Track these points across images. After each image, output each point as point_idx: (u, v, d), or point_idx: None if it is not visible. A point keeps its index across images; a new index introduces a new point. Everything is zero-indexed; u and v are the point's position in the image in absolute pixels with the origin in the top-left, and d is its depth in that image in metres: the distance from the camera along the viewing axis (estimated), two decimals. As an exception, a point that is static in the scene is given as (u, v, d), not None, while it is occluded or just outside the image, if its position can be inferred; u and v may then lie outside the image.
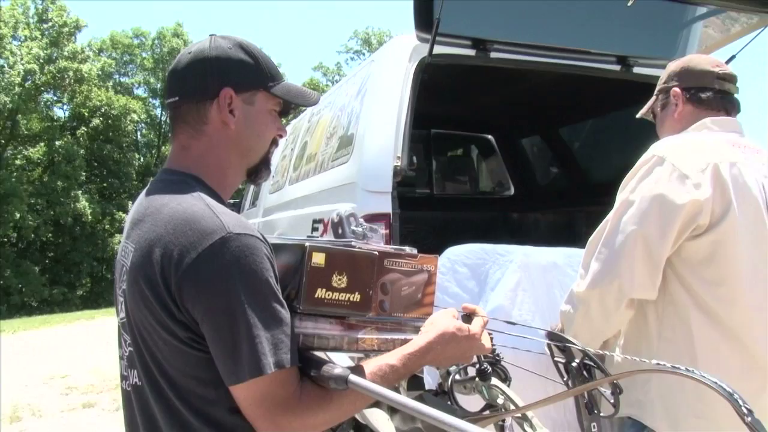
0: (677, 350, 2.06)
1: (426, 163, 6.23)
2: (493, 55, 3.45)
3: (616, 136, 5.12)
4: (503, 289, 2.63)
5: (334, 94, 4.69)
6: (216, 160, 1.53)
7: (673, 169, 2.04)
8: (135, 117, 34.52)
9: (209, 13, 68.84)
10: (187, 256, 1.30)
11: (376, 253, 1.49)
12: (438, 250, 3.80)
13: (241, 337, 1.28)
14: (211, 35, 1.58)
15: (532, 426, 1.52)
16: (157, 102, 41.11)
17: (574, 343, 1.61)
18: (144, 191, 1.55)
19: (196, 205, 1.38)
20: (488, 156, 6.65)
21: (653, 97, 2.42)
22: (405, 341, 1.51)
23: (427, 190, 6.19)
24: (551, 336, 1.79)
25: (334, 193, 3.60)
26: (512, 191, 6.47)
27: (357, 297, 1.45)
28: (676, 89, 2.31)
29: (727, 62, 3.92)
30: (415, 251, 1.63)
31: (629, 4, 3.14)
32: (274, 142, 1.62)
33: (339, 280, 1.42)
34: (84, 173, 30.91)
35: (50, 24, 30.09)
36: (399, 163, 3.10)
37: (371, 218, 3.07)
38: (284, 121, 1.77)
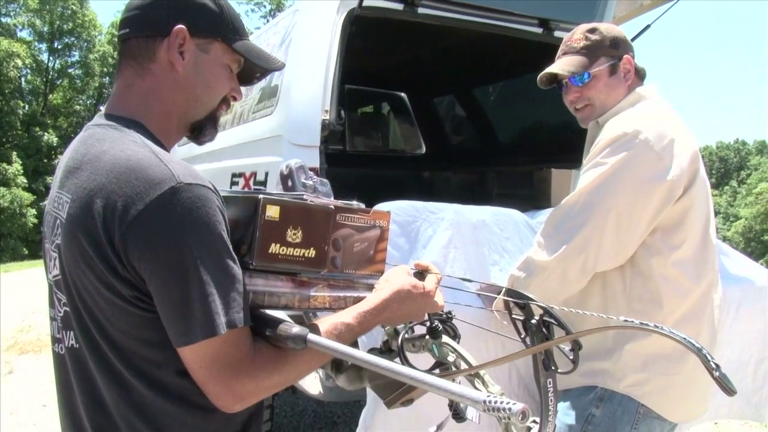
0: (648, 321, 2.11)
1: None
2: (420, 10, 3.42)
3: (529, 98, 5.20)
4: (435, 246, 2.63)
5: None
6: (160, 104, 1.42)
7: (646, 147, 2.05)
8: (19, 62, 32.44)
9: (99, -45, 65.17)
10: (132, 208, 1.20)
11: (332, 206, 1.44)
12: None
13: (193, 295, 1.20)
14: None
15: (483, 382, 1.52)
16: (43, 46, 38.84)
17: (535, 300, 1.62)
18: (79, 137, 1.43)
19: (141, 152, 1.28)
20: (401, 114, 6.64)
21: (587, 59, 2.29)
22: (357, 299, 1.47)
23: (340, 147, 6.13)
24: (510, 293, 1.80)
25: (256, 146, 3.50)
26: (424, 150, 6.50)
27: (312, 253, 1.39)
28: (629, 57, 2.29)
29: (642, 32, 4.06)
30: (363, 206, 1.59)
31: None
32: (226, 101, 1.52)
33: (294, 235, 1.36)
34: (-39, 121, 28.97)
35: None
36: (327, 117, 3.04)
37: (298, 173, 3.00)
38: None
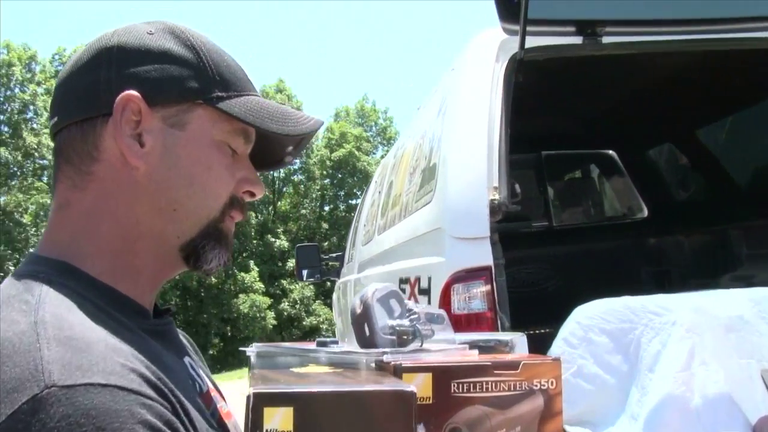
0: None
1: (540, 191, 5.42)
2: (606, 40, 2.62)
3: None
4: (670, 368, 1.77)
5: (417, 120, 3.96)
6: (112, 225, 0.83)
7: None
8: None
9: (310, 67, 70.39)
10: None
11: (412, 389, 0.71)
12: (564, 292, 3.05)
13: None
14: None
15: None
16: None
17: None
18: None
19: (16, 327, 0.69)
20: (612, 174, 5.77)
21: None
22: None
23: (545, 222, 5.37)
24: None
25: (418, 243, 2.85)
26: (645, 212, 5.53)
27: None
28: None
29: None
30: (522, 351, 0.88)
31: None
32: (237, 206, 0.90)
33: None
34: (203, 237, 31.91)
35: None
36: (496, 196, 2.31)
37: (466, 275, 2.28)
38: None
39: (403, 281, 2.94)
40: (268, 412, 0.64)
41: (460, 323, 2.27)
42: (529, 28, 2.38)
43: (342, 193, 41.35)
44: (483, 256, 2.29)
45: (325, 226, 39.27)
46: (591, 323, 2.05)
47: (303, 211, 39.95)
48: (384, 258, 3.82)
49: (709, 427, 1.67)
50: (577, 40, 2.60)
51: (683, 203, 5.40)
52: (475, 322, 2.26)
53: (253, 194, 0.91)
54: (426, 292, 2.53)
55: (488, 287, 2.26)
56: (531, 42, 2.46)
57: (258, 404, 0.64)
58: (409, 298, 2.74)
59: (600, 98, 4.18)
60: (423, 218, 2.81)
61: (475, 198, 2.37)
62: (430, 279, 2.50)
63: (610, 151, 5.63)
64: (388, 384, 0.74)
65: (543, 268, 4.69)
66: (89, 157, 0.82)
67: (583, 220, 5.80)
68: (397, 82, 71.92)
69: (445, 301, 2.29)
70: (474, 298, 2.27)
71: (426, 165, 2.99)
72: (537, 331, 2.46)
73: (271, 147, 0.93)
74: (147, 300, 0.86)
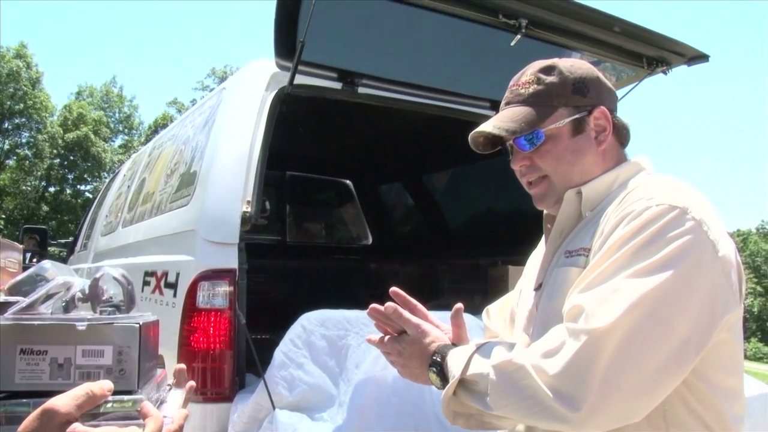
0: None
1: (279, 208, 5.78)
2: (361, 90, 3.06)
3: (482, 186, 4.89)
4: (371, 365, 2.19)
5: (179, 126, 4.13)
6: None
7: (705, 236, 1.29)
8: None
9: (58, 38, 65.39)
10: None
11: None
12: (290, 302, 3.37)
13: None
14: None
15: None
16: (-7, 128, 38.01)
17: None
18: None
19: None
20: (346, 202, 6.30)
21: (536, 112, 1.50)
22: None
23: (279, 237, 5.73)
24: None
25: (170, 241, 3.05)
26: (370, 240, 6.12)
27: None
28: (605, 110, 1.52)
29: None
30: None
31: (512, 43, 2.86)
32: None
33: None
34: None
35: None
36: (248, 209, 2.62)
37: (212, 274, 2.56)
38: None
39: (149, 274, 3.12)
40: None
41: (202, 317, 2.54)
42: (299, 68, 2.70)
43: (71, 176, 38.54)
44: (229, 259, 2.58)
45: (46, 208, 36.31)
46: (313, 328, 2.42)
47: (24, 188, 36.74)
48: (128, 250, 3.92)
49: (401, 401, 2.10)
50: (338, 85, 3.01)
51: (403, 236, 6.05)
52: (216, 317, 2.53)
53: None
54: (173, 286, 2.74)
55: (231, 288, 2.55)
56: (299, 79, 2.80)
57: None
58: (154, 291, 2.95)
59: (348, 135, 4.59)
60: (177, 219, 3.02)
61: (229, 208, 2.65)
62: (178, 274, 2.73)
63: (348, 181, 6.15)
64: None
65: (274, 278, 5.00)
66: None
67: (314, 239, 6.26)
68: (149, 72, 69.10)
69: (191, 296, 2.54)
70: (217, 295, 2.54)
71: (186, 170, 3.20)
72: (260, 336, 2.72)
73: None
74: None
